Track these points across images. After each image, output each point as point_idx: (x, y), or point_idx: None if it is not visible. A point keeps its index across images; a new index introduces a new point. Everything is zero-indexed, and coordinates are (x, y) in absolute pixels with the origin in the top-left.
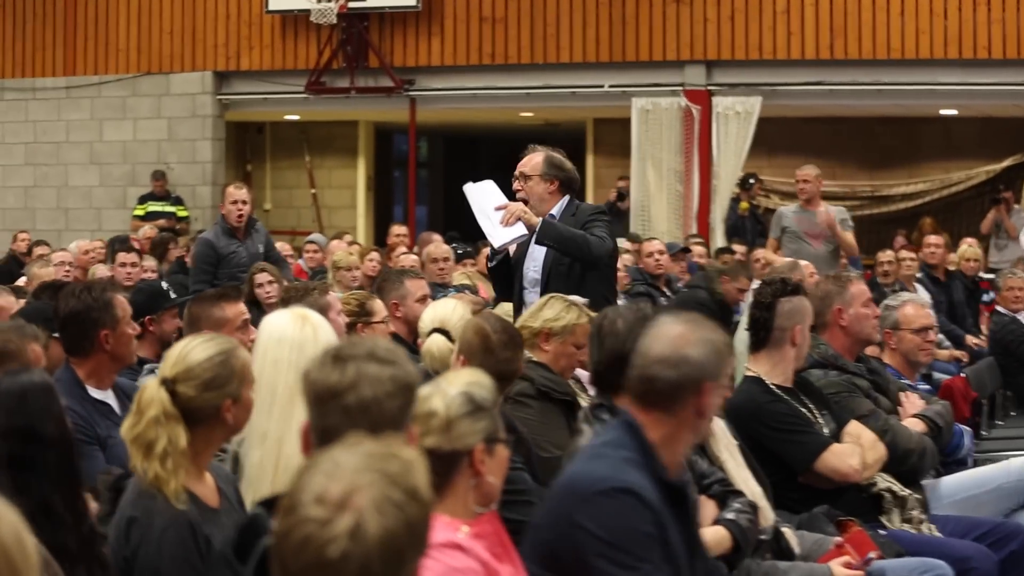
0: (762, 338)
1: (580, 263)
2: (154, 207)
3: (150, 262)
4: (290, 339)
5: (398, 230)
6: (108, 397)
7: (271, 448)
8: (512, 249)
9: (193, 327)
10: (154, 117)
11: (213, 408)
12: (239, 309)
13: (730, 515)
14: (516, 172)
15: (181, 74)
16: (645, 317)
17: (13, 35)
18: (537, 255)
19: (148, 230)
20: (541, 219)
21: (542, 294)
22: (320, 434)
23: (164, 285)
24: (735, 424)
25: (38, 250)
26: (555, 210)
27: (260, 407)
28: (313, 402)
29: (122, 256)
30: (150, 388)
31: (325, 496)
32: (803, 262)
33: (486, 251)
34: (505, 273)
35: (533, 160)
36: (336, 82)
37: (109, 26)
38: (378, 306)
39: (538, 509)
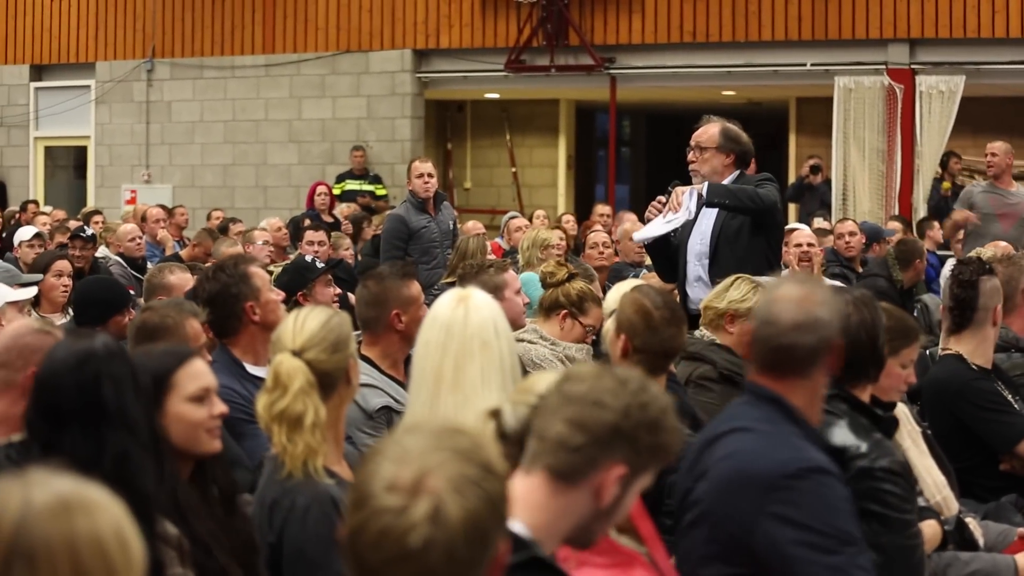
0: (967, 317)
1: (751, 214)
2: (352, 185)
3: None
4: (441, 320)
5: (602, 209)
6: (265, 372)
7: None
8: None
9: (378, 307)
10: (353, 95)
11: (342, 371)
12: (419, 287)
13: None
14: (691, 143)
15: (380, 52)
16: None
17: (213, 13)
18: (704, 227)
19: (345, 208)
20: (705, 182)
21: (710, 265)
22: None
23: (310, 257)
24: (936, 401)
25: (234, 227)
26: (725, 183)
27: (413, 389)
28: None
29: (310, 235)
30: (287, 361)
31: (397, 482)
32: (1002, 243)
33: None
34: (663, 252)
35: (709, 131)
36: (536, 60)
37: (308, 4)
38: (595, 313)
39: (702, 504)
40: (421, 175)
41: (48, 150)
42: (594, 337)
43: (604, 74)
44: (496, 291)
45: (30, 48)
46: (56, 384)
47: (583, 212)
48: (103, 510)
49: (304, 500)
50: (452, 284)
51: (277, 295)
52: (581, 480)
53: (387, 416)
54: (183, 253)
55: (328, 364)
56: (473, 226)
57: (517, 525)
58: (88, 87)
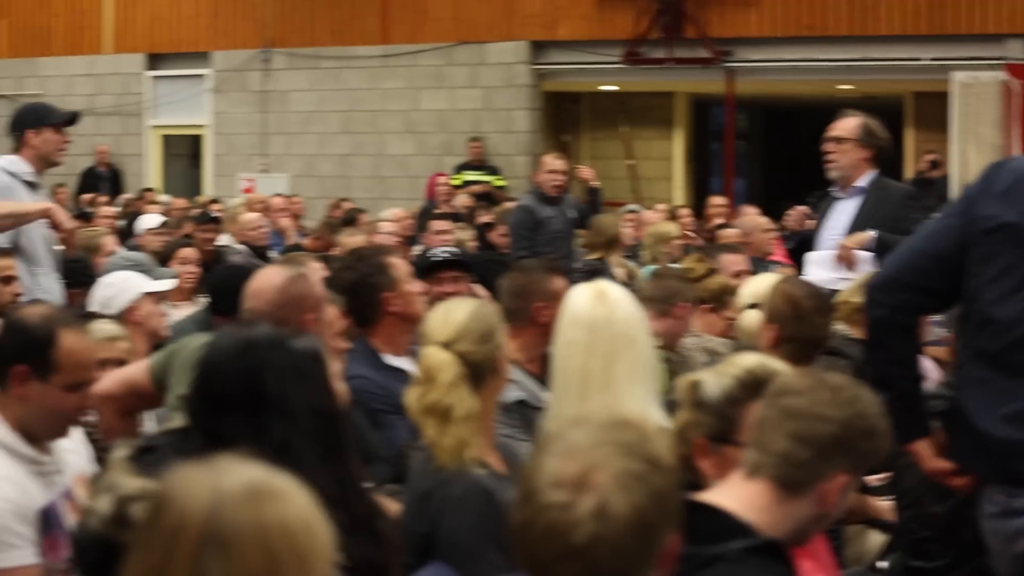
0: None
1: None
2: (470, 176)
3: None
4: (584, 319)
5: (716, 201)
6: (404, 363)
7: None
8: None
9: (521, 299)
10: (470, 86)
11: (491, 362)
12: (564, 283)
13: None
14: (829, 134)
15: (497, 44)
16: None
17: (329, 3)
18: (834, 224)
19: (464, 198)
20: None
21: None
22: None
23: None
24: None
25: (362, 218)
26: (863, 182)
27: (557, 389)
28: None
29: (436, 224)
30: (436, 354)
31: (563, 478)
32: None
33: None
34: (801, 251)
35: (849, 123)
36: (653, 53)
37: None
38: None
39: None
40: (553, 171)
41: (164, 138)
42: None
43: (720, 67)
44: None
45: (146, 37)
46: (218, 372)
47: (699, 205)
48: (292, 498)
49: (458, 491)
50: (597, 261)
51: (416, 286)
52: (806, 491)
53: (522, 411)
54: (305, 243)
55: (477, 355)
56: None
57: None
58: (204, 76)
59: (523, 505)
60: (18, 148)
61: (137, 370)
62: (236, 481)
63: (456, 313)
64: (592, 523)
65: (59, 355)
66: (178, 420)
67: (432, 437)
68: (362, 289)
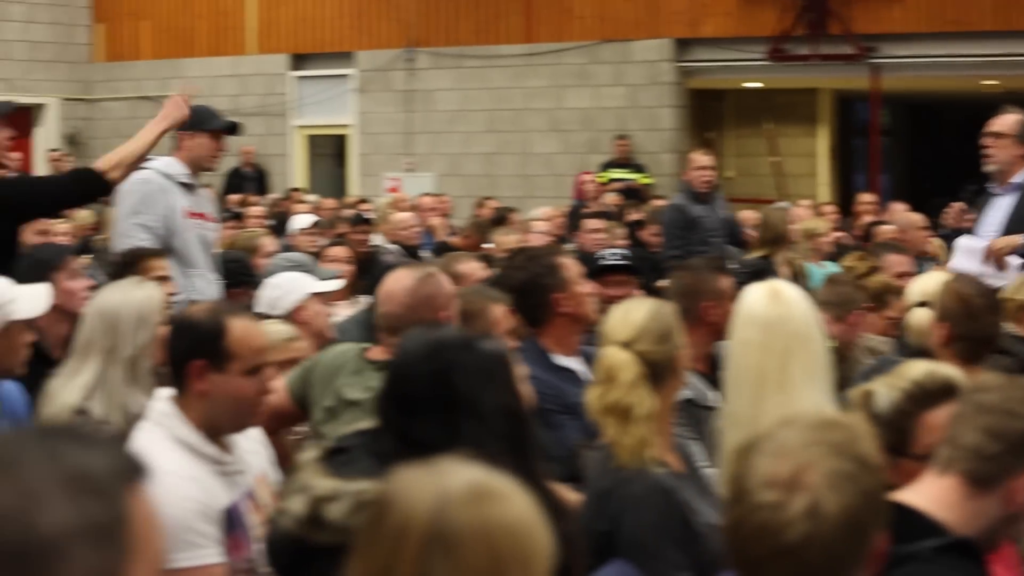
0: None
1: None
2: (616, 174)
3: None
4: (759, 318)
5: (865, 198)
6: (574, 363)
7: (744, 432)
8: None
9: (686, 297)
10: (614, 84)
11: (671, 361)
12: (731, 282)
13: None
14: (988, 130)
15: (641, 41)
16: None
17: (474, 2)
18: (990, 220)
19: (612, 197)
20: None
21: None
22: None
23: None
24: None
25: (512, 216)
26: (1019, 178)
27: (732, 388)
28: None
29: (589, 223)
30: (615, 353)
31: (774, 478)
32: None
33: None
34: None
35: (1008, 119)
36: (797, 49)
37: None
38: (897, 306)
39: None
40: (701, 167)
41: (309, 138)
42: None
43: (865, 63)
44: None
45: (290, 38)
46: (409, 373)
47: (844, 202)
48: (514, 498)
49: (639, 489)
50: (763, 258)
51: (587, 287)
52: (995, 486)
53: (690, 410)
54: (455, 241)
55: (656, 355)
56: (747, 216)
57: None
58: (348, 76)
59: (735, 505)
60: (175, 149)
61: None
62: (459, 482)
63: (635, 313)
64: (804, 523)
65: (231, 342)
66: (368, 421)
67: (612, 436)
68: (533, 289)
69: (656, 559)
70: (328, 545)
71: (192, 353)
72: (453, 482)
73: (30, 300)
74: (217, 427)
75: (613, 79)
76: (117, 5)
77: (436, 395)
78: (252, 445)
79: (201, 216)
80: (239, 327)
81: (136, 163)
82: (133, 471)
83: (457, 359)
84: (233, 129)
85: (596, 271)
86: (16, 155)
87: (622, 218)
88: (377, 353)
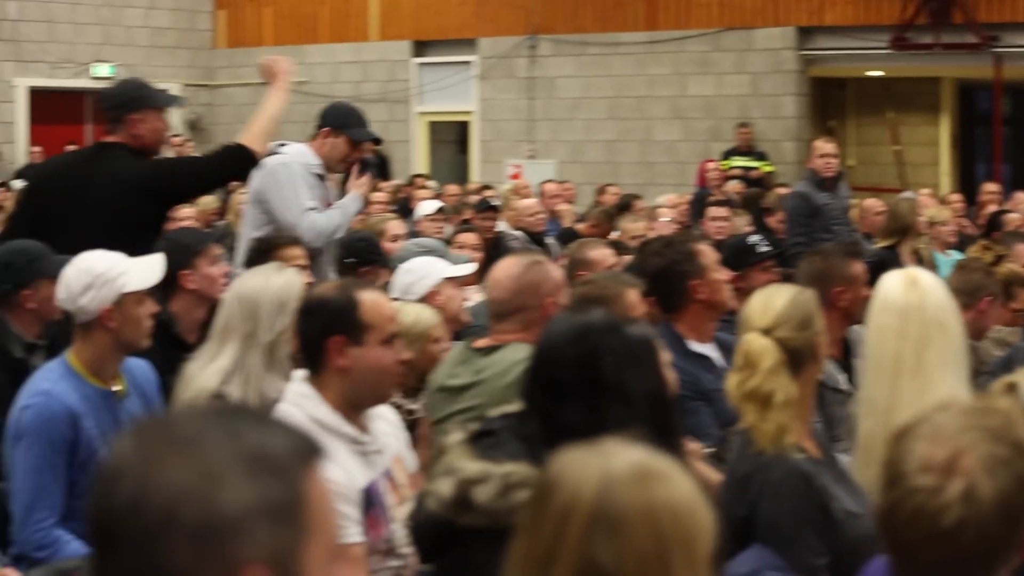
0: None
1: None
2: (738, 162)
3: (742, 218)
4: (896, 305)
5: (989, 188)
6: (709, 350)
7: (880, 418)
8: None
9: (818, 282)
10: (737, 72)
11: (811, 348)
12: (863, 267)
13: None
14: None
15: (764, 29)
16: None
17: None
18: None
19: (736, 184)
20: None
21: None
22: None
23: (752, 239)
24: None
25: (637, 204)
26: None
27: (868, 375)
28: None
29: (713, 211)
30: (756, 340)
31: (931, 463)
32: None
33: None
34: None
35: None
36: (920, 38)
37: None
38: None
39: None
40: (824, 155)
41: (430, 125)
42: None
43: (987, 52)
44: None
45: (412, 24)
46: (556, 357)
47: (966, 192)
48: (676, 479)
49: (778, 475)
50: (888, 248)
51: (723, 274)
52: None
53: (819, 392)
54: (580, 229)
55: (797, 341)
56: (872, 204)
57: None
58: (470, 63)
59: (890, 488)
60: (312, 139)
61: (425, 430)
62: (624, 463)
63: (776, 300)
64: (960, 507)
65: (365, 314)
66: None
67: (752, 423)
68: (670, 275)
69: (794, 544)
70: (474, 528)
71: (329, 330)
72: (617, 463)
73: (141, 272)
74: (357, 403)
75: (735, 67)
76: None
77: (582, 379)
78: (388, 427)
79: (329, 206)
80: (369, 298)
81: (270, 133)
82: (310, 452)
83: (604, 343)
84: (376, 141)
85: (750, 260)
86: (178, 140)
87: (749, 206)
88: (484, 342)
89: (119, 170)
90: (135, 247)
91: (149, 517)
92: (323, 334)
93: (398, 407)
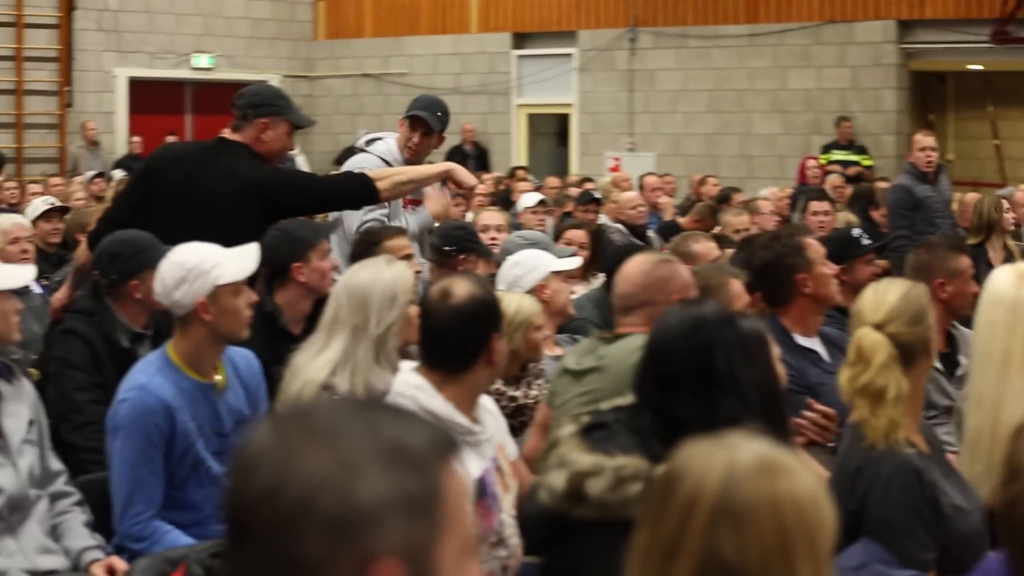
0: None
1: None
2: (838, 156)
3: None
4: (1006, 300)
5: None
6: (814, 344)
7: (987, 412)
8: None
9: (921, 274)
10: (837, 65)
11: (922, 343)
12: (968, 261)
13: None
14: None
15: (864, 22)
16: None
17: None
18: None
19: (836, 179)
20: None
21: None
22: None
23: (856, 232)
24: None
25: (737, 197)
26: None
27: (976, 369)
28: None
29: (815, 205)
30: (869, 335)
31: None
32: None
33: None
34: None
35: None
36: (1020, 32)
37: None
38: None
39: None
40: (924, 148)
41: (529, 117)
42: None
43: None
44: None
45: (512, 16)
46: (668, 350)
47: None
48: (800, 472)
49: (888, 469)
50: (976, 246)
51: (830, 269)
52: None
53: None
54: (682, 222)
55: (909, 336)
56: (972, 198)
57: None
58: (570, 55)
59: (1010, 483)
60: (398, 132)
61: (541, 415)
62: (748, 456)
63: (888, 295)
64: None
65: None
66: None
67: (864, 417)
68: (777, 269)
69: (904, 539)
70: (586, 520)
71: (494, 328)
72: (741, 455)
73: (235, 263)
74: (476, 394)
75: (836, 60)
76: None
77: (696, 372)
78: (488, 415)
79: (418, 203)
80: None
81: (404, 189)
82: (448, 447)
83: (716, 335)
84: (443, 126)
85: (854, 253)
86: (296, 151)
87: (856, 201)
88: (609, 333)
89: (239, 166)
90: (229, 246)
91: (285, 506)
92: (490, 331)
93: (500, 394)
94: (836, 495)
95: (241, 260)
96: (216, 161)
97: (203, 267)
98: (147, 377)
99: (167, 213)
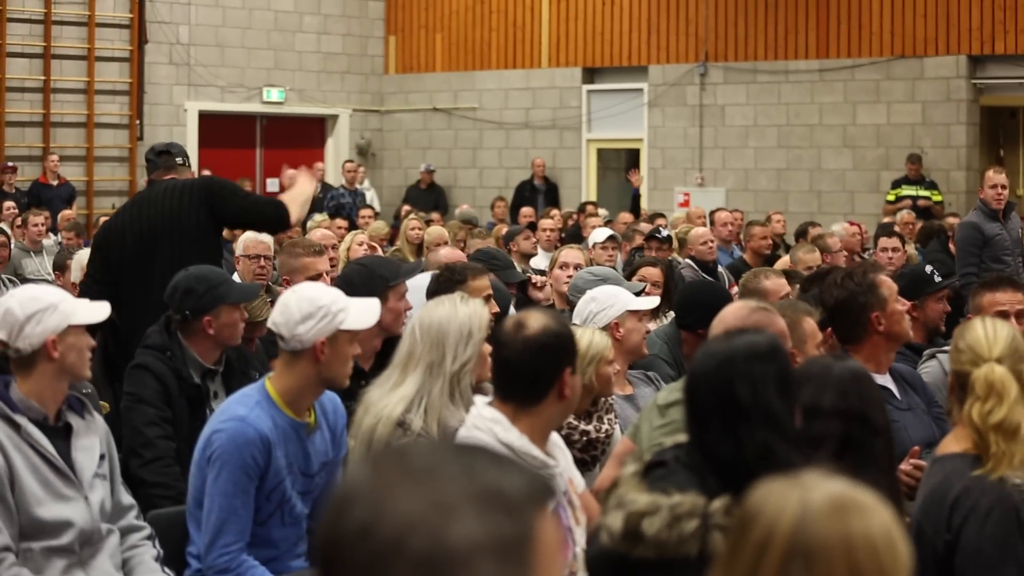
0: None
1: None
2: (907, 191)
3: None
4: None
5: None
6: (887, 381)
7: None
8: None
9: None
10: (908, 101)
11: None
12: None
13: None
14: None
15: (935, 58)
16: None
17: (766, 18)
18: None
19: (906, 215)
20: None
21: None
22: None
23: (928, 269)
24: None
25: (813, 231)
26: None
27: None
28: None
29: (884, 241)
30: (999, 371)
31: None
32: None
33: None
34: None
35: None
36: None
37: (863, 9)
38: None
39: None
40: (995, 185)
41: (599, 152)
42: None
43: None
44: None
45: (582, 51)
46: (697, 386)
47: None
48: (874, 511)
49: (988, 502)
50: None
51: (903, 306)
52: None
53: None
54: (748, 258)
55: (1018, 372)
56: None
57: None
58: (640, 90)
59: None
60: None
61: (621, 448)
62: (822, 494)
63: (999, 331)
64: None
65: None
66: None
67: (995, 452)
68: (851, 307)
69: (994, 571)
70: (645, 559)
71: (567, 361)
72: (815, 495)
73: (360, 312)
74: (551, 428)
75: (906, 95)
76: (410, 17)
77: (718, 404)
78: (556, 451)
79: None
80: (578, 333)
81: (304, 210)
82: (544, 494)
83: (741, 370)
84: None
85: (927, 290)
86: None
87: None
88: None
89: (179, 181)
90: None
91: (377, 543)
92: (562, 366)
93: (572, 428)
94: (930, 525)
95: (365, 311)
96: (156, 190)
97: (332, 308)
98: (247, 409)
99: (140, 254)
